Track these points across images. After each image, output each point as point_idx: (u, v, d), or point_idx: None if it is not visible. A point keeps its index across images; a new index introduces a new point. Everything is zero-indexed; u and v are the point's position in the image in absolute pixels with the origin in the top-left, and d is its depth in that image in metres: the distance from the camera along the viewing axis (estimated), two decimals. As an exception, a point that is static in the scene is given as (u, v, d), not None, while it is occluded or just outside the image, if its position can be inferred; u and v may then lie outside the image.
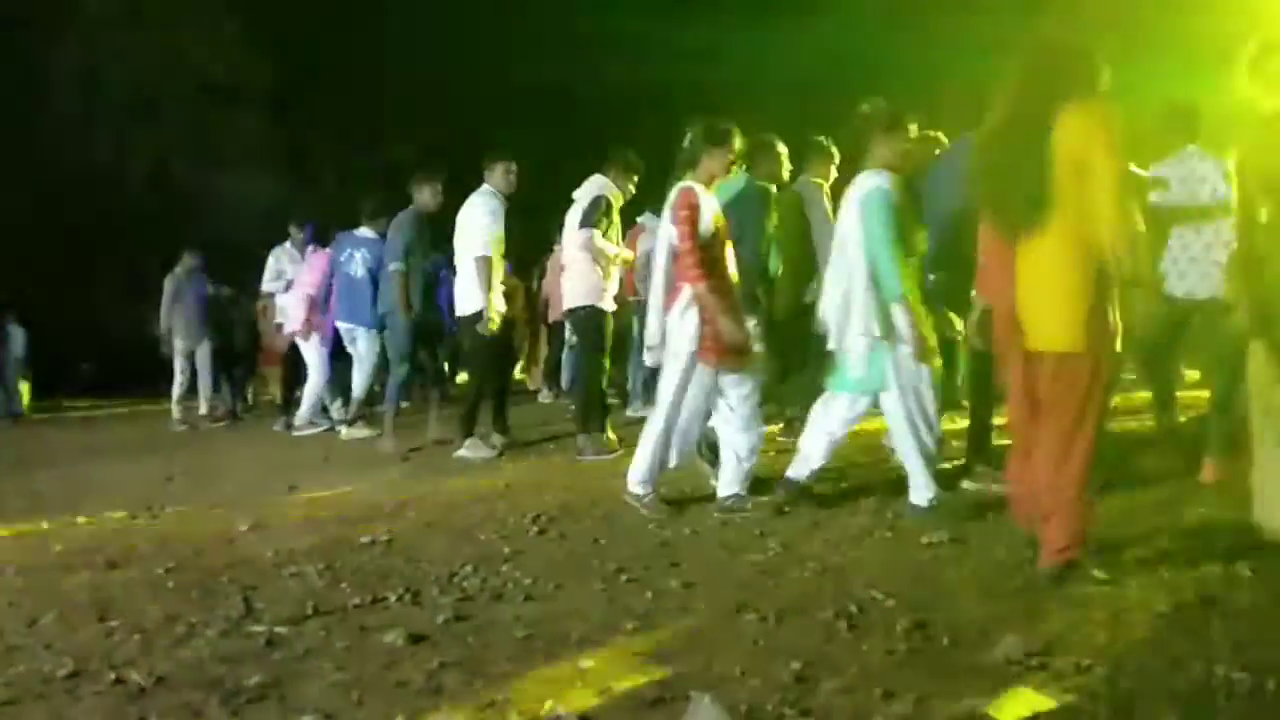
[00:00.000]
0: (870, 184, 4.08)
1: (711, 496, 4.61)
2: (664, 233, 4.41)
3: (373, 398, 8.41)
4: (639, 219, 7.89)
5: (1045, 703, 2.24)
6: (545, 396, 10.40)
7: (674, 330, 4.35)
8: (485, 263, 6.32)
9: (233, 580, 3.67)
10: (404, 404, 8.98)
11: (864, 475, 5.13)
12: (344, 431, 8.02)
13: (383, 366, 8.08)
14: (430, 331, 7.38)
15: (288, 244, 9.24)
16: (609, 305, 6.35)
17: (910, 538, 3.81)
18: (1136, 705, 2.22)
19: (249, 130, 19.92)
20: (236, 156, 19.49)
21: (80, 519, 5.17)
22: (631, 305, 8.19)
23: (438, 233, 7.20)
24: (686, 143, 4.41)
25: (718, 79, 16.12)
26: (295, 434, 8.57)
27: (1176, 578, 3.12)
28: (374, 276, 7.69)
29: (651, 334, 4.49)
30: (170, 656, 2.85)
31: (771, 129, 6.11)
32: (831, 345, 4.28)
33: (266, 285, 9.32)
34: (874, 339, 4.04)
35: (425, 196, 7.06)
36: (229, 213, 17.27)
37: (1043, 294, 3.06)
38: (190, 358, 10.21)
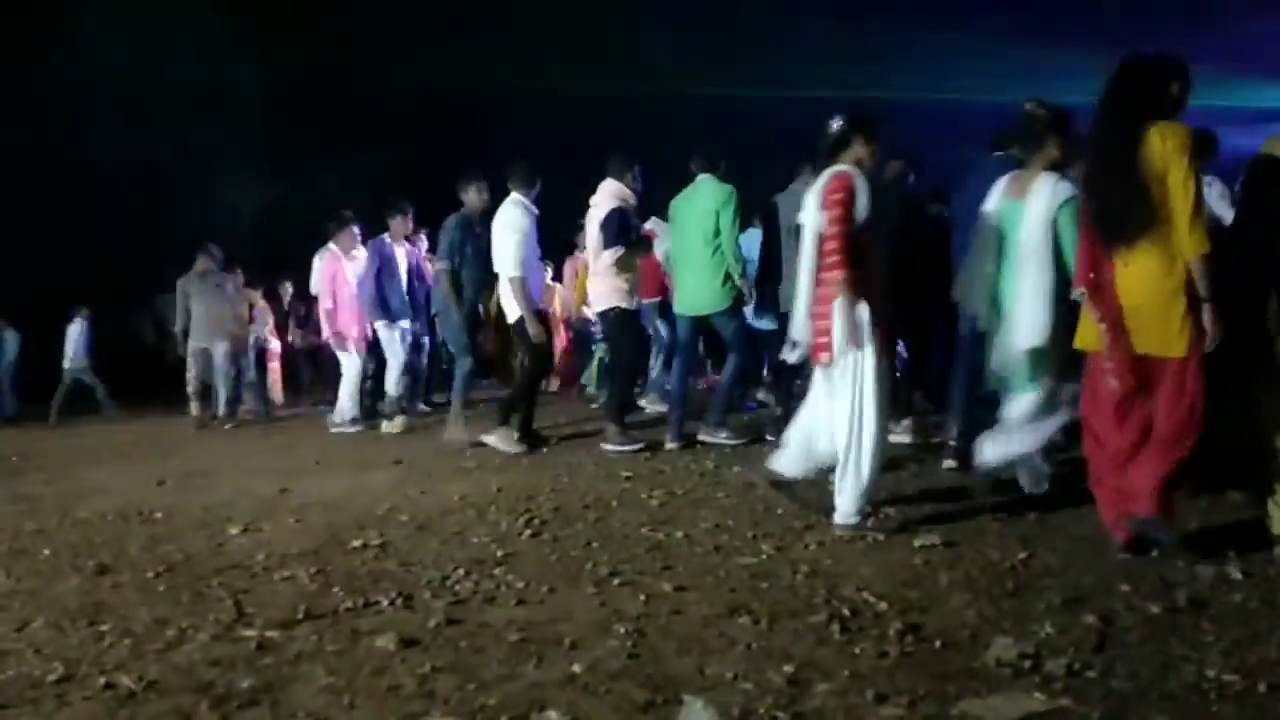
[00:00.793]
0: (1066, 190, 4.02)
1: (701, 496, 4.61)
2: (810, 220, 4.14)
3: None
4: (646, 225, 7.97)
5: (1037, 705, 2.24)
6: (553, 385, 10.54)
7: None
8: (518, 283, 6.57)
9: (224, 584, 3.66)
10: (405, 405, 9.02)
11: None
12: (384, 425, 8.36)
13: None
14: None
15: (325, 251, 9.29)
16: (634, 305, 6.68)
17: (902, 541, 3.81)
18: (1128, 707, 2.23)
19: (241, 133, 19.87)
20: (229, 159, 19.43)
21: (70, 522, 5.15)
22: (653, 306, 8.62)
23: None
24: (834, 129, 4.25)
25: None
26: (334, 430, 8.75)
27: (1168, 580, 3.13)
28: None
29: (799, 329, 4.21)
30: (161, 661, 2.84)
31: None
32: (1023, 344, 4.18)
33: (315, 291, 9.50)
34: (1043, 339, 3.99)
35: (470, 197, 7.17)
36: (222, 216, 17.24)
37: (1147, 303, 3.25)
38: (201, 357, 10.16)
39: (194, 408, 10.11)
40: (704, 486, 5.14)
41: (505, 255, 6.61)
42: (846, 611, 2.96)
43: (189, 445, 8.92)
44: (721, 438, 6.40)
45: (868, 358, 3.93)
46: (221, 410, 10.32)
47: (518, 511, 4.69)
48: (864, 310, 3.93)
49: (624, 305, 6.58)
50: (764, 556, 3.69)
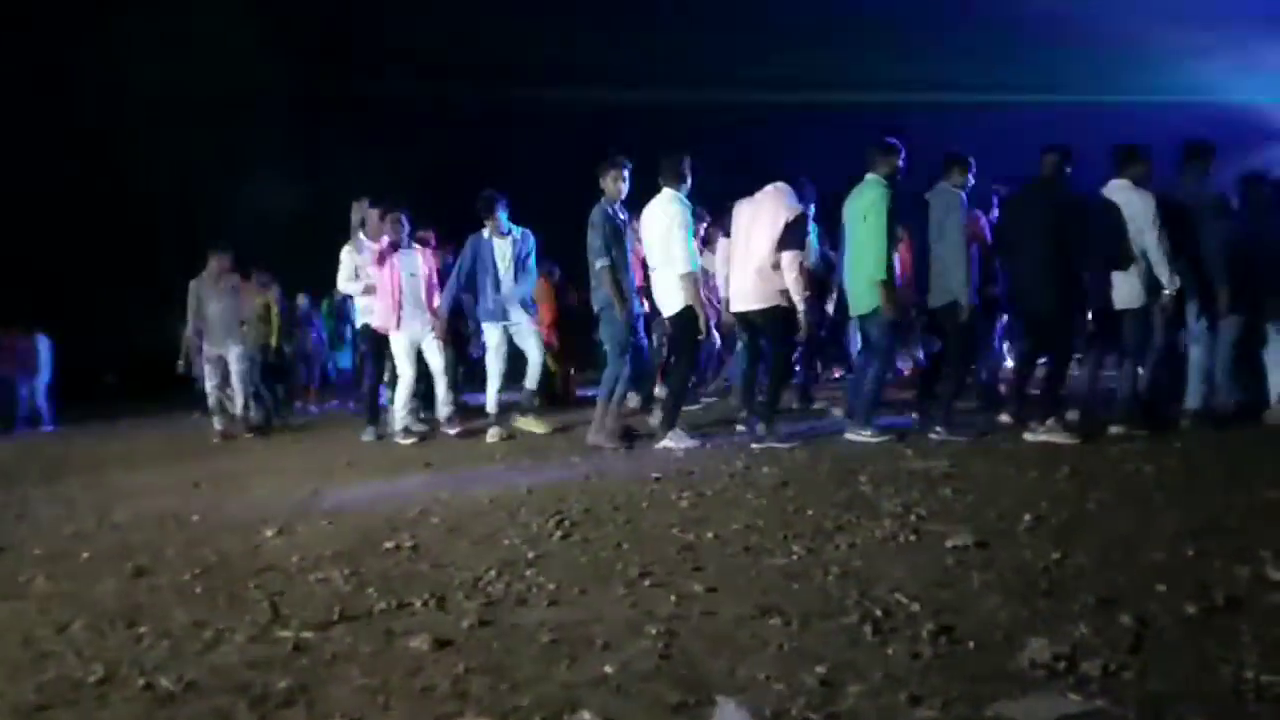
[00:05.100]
0: None
1: (731, 498, 4.60)
2: None
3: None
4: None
5: (1073, 707, 2.23)
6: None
7: None
8: (690, 279, 6.63)
9: (259, 586, 3.70)
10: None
11: (884, 477, 5.12)
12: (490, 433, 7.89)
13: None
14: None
15: (361, 238, 8.61)
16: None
17: (934, 541, 3.79)
18: (1165, 709, 2.20)
19: (273, 135, 20.01)
20: (261, 162, 19.57)
21: (108, 525, 5.22)
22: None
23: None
24: None
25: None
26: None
27: (1204, 580, 3.10)
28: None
29: None
30: (199, 662, 2.88)
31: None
32: None
33: (344, 286, 8.79)
34: None
35: (608, 184, 7.03)
36: (254, 218, 17.37)
37: None
38: (219, 364, 9.83)
39: (216, 421, 9.84)
40: (734, 487, 5.14)
41: (676, 252, 6.59)
42: (879, 612, 2.95)
43: (220, 449, 9.02)
44: (865, 435, 6.55)
45: None
46: (239, 415, 9.98)
47: (548, 513, 4.71)
48: None
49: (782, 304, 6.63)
50: (795, 557, 3.68)
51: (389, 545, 4.25)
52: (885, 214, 6.37)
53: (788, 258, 6.43)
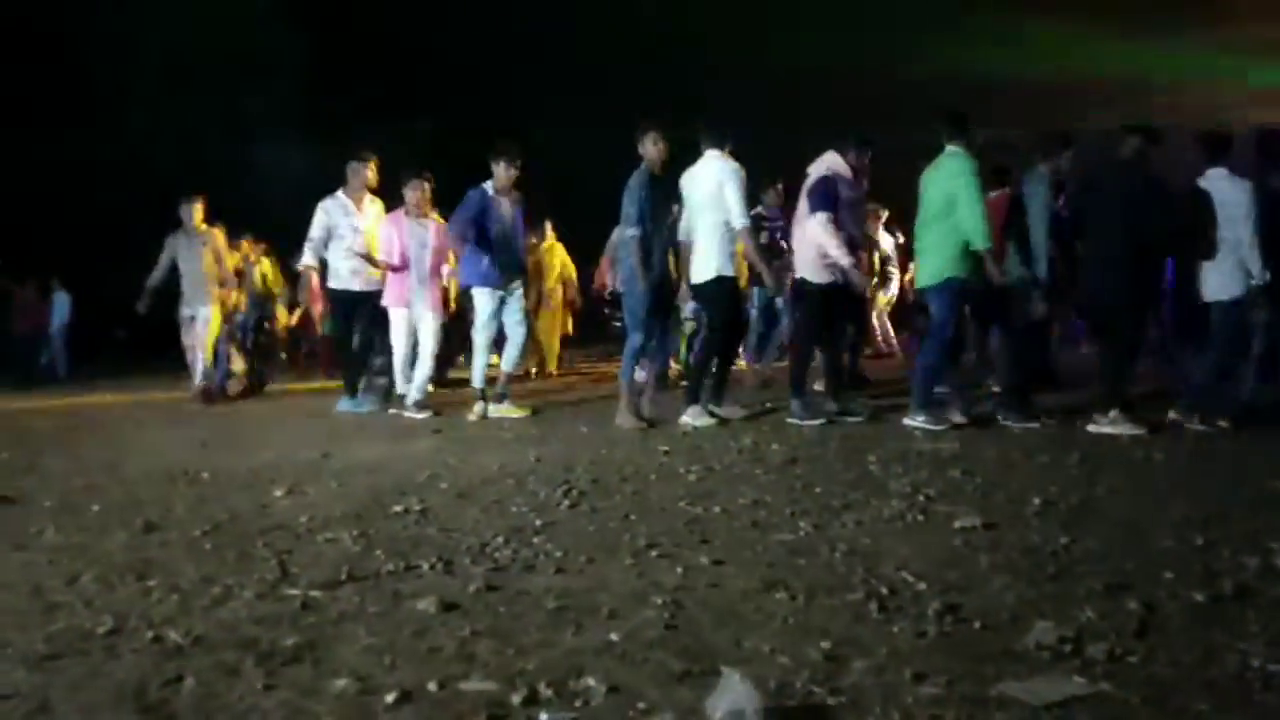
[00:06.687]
0: None
1: (739, 473, 4.60)
2: None
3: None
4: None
5: (1077, 689, 2.23)
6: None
7: None
8: (747, 233, 6.45)
9: (268, 544, 3.72)
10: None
11: (893, 457, 5.11)
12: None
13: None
14: (668, 300, 7.01)
15: (340, 194, 8.25)
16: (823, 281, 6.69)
17: (941, 522, 3.79)
18: (1170, 694, 2.20)
19: (281, 100, 19.95)
20: (269, 127, 19.52)
21: (118, 481, 5.24)
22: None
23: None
24: None
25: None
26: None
27: (1212, 568, 3.10)
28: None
29: None
30: (207, 617, 2.89)
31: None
32: None
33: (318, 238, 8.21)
34: None
35: (648, 149, 6.59)
36: (261, 183, 17.34)
37: None
38: (189, 323, 9.49)
39: (198, 377, 9.60)
40: (742, 463, 5.14)
41: (730, 207, 6.31)
42: (884, 590, 2.95)
43: (230, 410, 9.05)
44: (919, 421, 6.15)
45: None
46: (197, 381, 9.51)
47: (556, 482, 4.72)
48: None
49: (810, 278, 6.62)
50: (802, 533, 3.69)
51: (397, 508, 4.27)
52: (975, 183, 6.04)
53: (814, 220, 6.44)
